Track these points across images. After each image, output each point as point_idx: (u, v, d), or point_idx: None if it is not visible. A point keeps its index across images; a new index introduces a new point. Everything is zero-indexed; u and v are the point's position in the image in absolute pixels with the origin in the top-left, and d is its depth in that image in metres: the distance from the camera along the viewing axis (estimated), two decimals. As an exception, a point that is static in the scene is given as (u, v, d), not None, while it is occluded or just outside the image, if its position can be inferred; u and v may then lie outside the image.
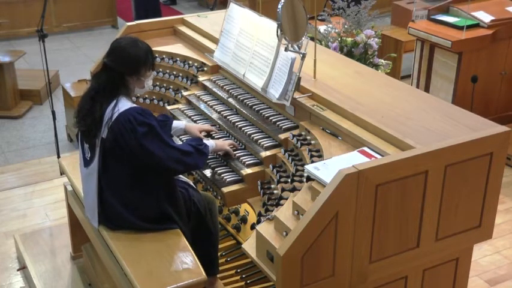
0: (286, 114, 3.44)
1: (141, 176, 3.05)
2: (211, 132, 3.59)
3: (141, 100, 4.22)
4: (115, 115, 2.96)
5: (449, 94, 5.55)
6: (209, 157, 3.45)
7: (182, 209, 3.21)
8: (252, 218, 3.60)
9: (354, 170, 2.48)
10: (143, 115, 2.97)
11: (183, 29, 4.55)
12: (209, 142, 3.31)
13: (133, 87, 3.11)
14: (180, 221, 3.18)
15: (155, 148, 2.97)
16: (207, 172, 3.39)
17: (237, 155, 3.37)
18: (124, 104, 3.00)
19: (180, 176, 3.37)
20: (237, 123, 3.56)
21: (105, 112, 2.99)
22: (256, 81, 3.56)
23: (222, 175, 3.30)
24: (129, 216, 3.07)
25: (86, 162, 3.15)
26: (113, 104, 2.99)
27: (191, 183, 3.42)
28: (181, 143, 3.48)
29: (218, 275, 3.52)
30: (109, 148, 3.00)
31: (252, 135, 3.42)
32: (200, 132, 3.52)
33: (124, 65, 3.05)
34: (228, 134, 3.58)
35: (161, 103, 4.19)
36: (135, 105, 3.04)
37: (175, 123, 3.52)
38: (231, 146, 3.39)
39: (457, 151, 2.71)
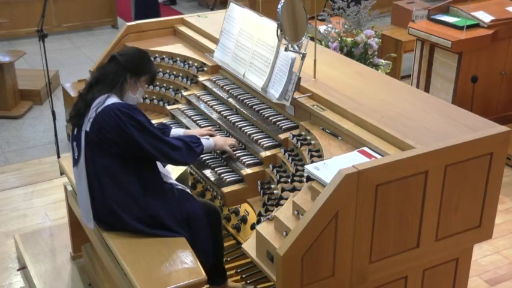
0: (286, 114, 3.44)
1: (126, 173, 3.04)
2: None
3: (141, 100, 4.21)
4: (100, 109, 3.01)
5: (449, 94, 5.55)
6: (209, 157, 3.46)
7: (176, 213, 3.15)
8: (252, 218, 3.59)
9: (354, 170, 2.48)
10: (128, 109, 3.02)
11: (183, 29, 4.55)
12: (208, 141, 3.30)
13: (127, 90, 3.16)
14: (175, 225, 3.12)
15: (141, 139, 2.99)
16: (207, 172, 3.39)
17: (237, 155, 3.37)
18: (112, 101, 3.05)
19: (177, 183, 3.35)
20: (237, 123, 3.56)
21: (95, 101, 3.04)
22: (256, 81, 3.56)
23: (222, 175, 3.30)
24: (121, 214, 3.05)
25: (75, 162, 3.17)
26: (103, 97, 3.04)
27: (187, 190, 3.38)
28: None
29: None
30: (93, 141, 3.02)
31: (252, 135, 3.42)
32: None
33: (131, 63, 3.15)
34: (228, 134, 3.58)
35: (161, 103, 4.19)
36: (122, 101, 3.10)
37: (173, 131, 3.51)
38: (231, 147, 3.39)
39: (457, 151, 2.71)
